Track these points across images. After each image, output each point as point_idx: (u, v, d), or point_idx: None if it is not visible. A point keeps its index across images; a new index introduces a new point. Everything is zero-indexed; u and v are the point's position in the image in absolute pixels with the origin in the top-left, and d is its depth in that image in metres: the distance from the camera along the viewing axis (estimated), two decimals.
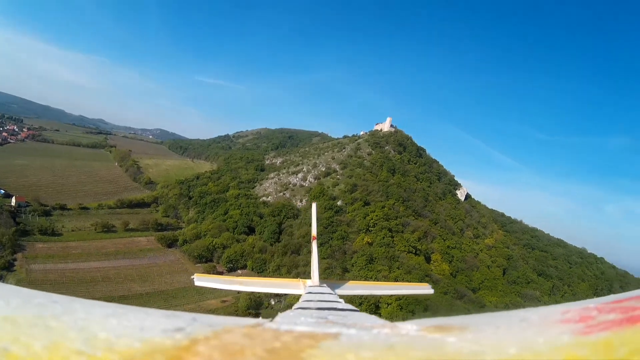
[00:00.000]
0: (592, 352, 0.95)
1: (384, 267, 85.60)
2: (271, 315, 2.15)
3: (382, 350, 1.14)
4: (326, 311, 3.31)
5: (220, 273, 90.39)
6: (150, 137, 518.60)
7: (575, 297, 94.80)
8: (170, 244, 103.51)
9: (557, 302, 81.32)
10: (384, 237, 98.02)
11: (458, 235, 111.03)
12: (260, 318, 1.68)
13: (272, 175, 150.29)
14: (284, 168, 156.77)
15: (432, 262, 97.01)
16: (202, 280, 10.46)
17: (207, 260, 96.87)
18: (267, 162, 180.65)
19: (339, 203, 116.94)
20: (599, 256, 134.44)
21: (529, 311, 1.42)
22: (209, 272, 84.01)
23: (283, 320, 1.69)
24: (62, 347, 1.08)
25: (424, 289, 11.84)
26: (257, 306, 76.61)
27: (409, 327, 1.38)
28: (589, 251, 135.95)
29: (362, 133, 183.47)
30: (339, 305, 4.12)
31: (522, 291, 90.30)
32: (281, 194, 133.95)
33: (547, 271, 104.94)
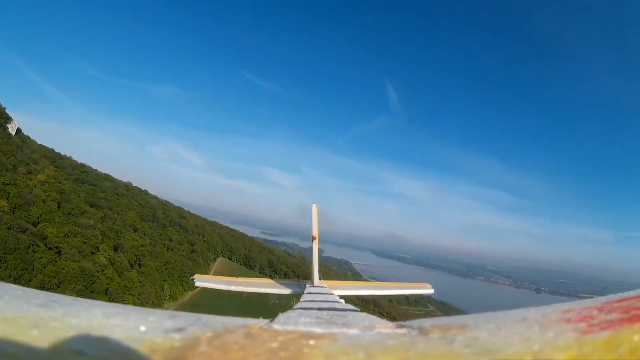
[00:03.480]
0: (593, 351, 1.05)
1: None
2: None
3: (382, 350, 1.24)
4: (326, 311, 3.39)
5: None
6: None
7: (124, 222, 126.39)
8: None
9: (111, 228, 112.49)
10: None
11: (12, 172, 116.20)
12: (261, 318, 1.83)
13: None
14: None
15: None
16: (202, 280, 11.63)
17: None
18: None
19: None
20: (143, 188, 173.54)
21: (530, 310, 1.53)
22: None
23: (283, 320, 1.80)
24: (63, 347, 1.19)
25: (425, 288, 13.34)
26: None
27: (409, 327, 1.50)
28: (134, 184, 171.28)
29: None
30: (339, 305, 4.59)
31: (77, 221, 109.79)
32: None
33: (98, 202, 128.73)
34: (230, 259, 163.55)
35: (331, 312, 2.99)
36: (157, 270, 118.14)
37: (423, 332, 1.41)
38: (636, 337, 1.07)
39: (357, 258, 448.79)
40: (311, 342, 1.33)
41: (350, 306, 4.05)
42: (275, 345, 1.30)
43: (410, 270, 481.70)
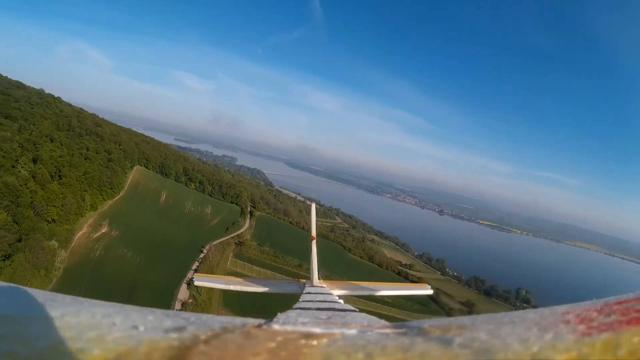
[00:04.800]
0: (592, 353, 1.10)
1: None
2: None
3: (381, 350, 1.28)
4: (325, 311, 3.56)
5: None
6: None
7: (41, 133, 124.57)
8: None
9: (28, 139, 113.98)
10: None
11: None
12: (260, 318, 1.85)
13: None
14: None
15: None
16: (201, 280, 12.12)
17: None
18: None
19: None
20: (56, 96, 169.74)
21: (529, 312, 1.59)
22: None
23: (282, 320, 1.87)
24: (62, 346, 1.22)
25: (424, 289, 13.83)
26: None
27: (408, 328, 1.56)
28: (46, 92, 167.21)
29: None
30: (338, 306, 4.70)
31: None
32: None
33: (12, 113, 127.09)
34: (147, 167, 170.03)
35: (330, 312, 3.27)
36: (77, 180, 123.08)
37: (422, 332, 1.45)
38: (635, 340, 1.12)
39: (270, 168, 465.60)
40: (310, 342, 1.37)
41: (349, 306, 4.23)
42: (273, 345, 1.33)
43: (321, 182, 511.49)
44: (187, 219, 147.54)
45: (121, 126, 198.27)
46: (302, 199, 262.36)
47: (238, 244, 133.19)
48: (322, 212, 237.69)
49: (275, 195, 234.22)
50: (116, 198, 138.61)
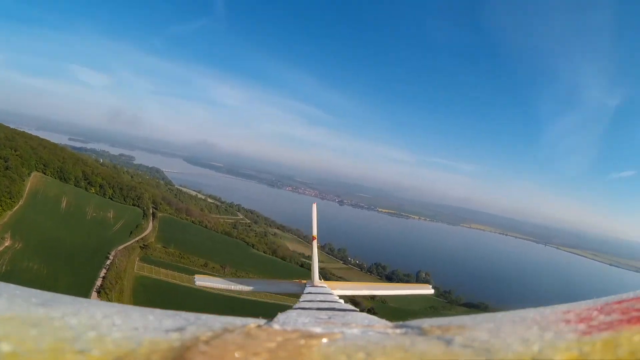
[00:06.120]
0: (592, 352, 1.11)
1: None
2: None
3: (382, 350, 1.29)
4: (326, 311, 3.62)
5: None
6: None
7: None
8: None
9: None
10: None
11: None
12: (261, 318, 1.87)
13: None
14: None
15: None
16: (202, 280, 12.21)
17: None
18: None
19: None
20: None
21: (530, 311, 1.60)
22: None
23: (282, 320, 1.90)
24: (63, 347, 1.22)
25: (425, 289, 13.77)
26: None
27: (408, 327, 1.57)
28: None
29: None
30: (339, 305, 4.74)
31: None
32: None
33: None
34: (45, 173, 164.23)
35: (330, 312, 3.31)
36: None
37: (422, 332, 1.46)
38: (636, 339, 1.13)
39: (169, 165, 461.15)
40: (310, 342, 1.38)
41: (349, 306, 4.31)
42: (274, 345, 1.34)
43: (221, 178, 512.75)
44: (90, 224, 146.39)
45: (15, 129, 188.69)
46: (203, 197, 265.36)
47: (143, 247, 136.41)
48: (224, 209, 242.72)
49: (176, 195, 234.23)
50: (15, 208, 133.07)
